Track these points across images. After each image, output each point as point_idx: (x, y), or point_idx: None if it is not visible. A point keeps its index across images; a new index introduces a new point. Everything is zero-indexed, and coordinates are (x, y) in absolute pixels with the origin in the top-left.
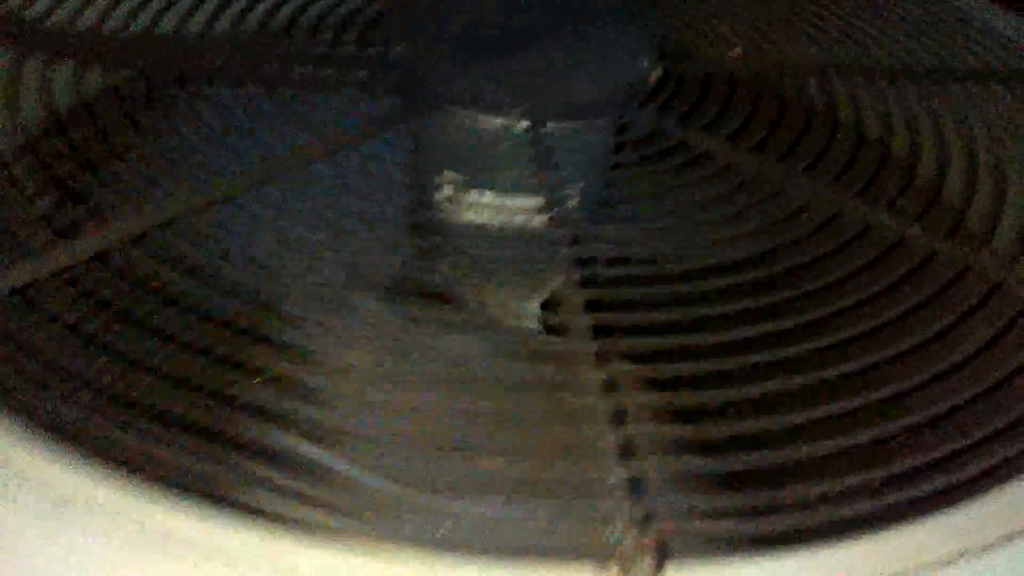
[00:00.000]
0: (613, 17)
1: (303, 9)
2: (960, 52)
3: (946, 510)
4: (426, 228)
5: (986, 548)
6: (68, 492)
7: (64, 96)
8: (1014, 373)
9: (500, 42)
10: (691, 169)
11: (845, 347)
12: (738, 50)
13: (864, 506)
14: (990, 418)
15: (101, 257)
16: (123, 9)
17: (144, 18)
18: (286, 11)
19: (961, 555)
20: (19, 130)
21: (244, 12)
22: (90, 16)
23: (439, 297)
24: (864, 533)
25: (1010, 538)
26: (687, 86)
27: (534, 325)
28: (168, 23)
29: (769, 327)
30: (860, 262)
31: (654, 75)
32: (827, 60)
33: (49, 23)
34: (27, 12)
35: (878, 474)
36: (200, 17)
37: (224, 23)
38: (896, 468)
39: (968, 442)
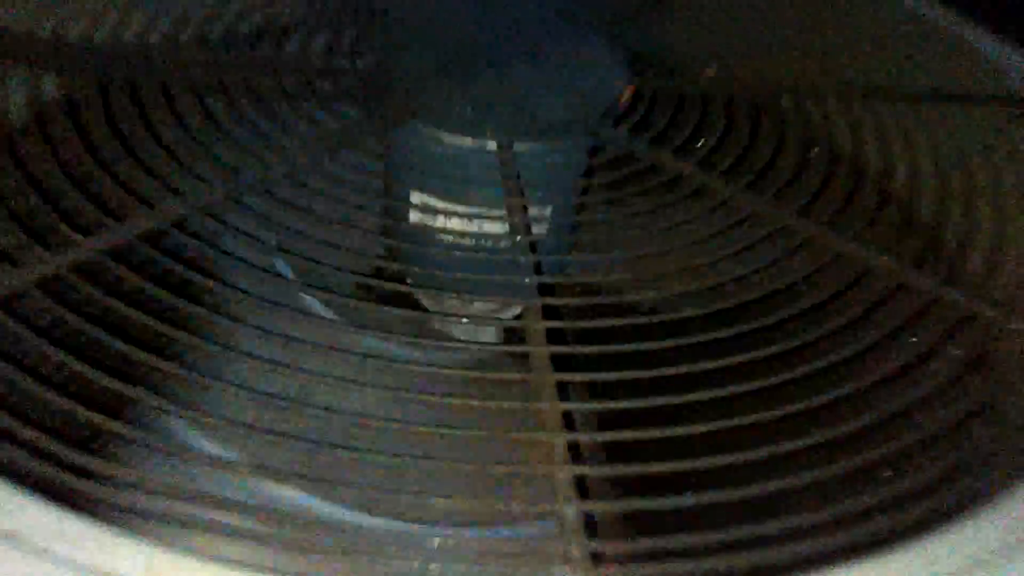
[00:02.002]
0: (586, 37)
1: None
2: (935, 73)
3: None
4: (395, 235)
5: None
6: None
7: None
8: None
9: (471, 59)
10: (661, 193)
11: (809, 383)
12: (711, 69)
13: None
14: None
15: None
16: (82, 19)
17: (104, 27)
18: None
19: None
20: None
21: (207, 21)
22: (51, 24)
23: (404, 300)
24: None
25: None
26: (660, 105)
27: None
28: (127, 32)
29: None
30: (830, 292)
31: (626, 94)
32: (802, 79)
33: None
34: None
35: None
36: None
37: (190, 32)
38: (841, 508)
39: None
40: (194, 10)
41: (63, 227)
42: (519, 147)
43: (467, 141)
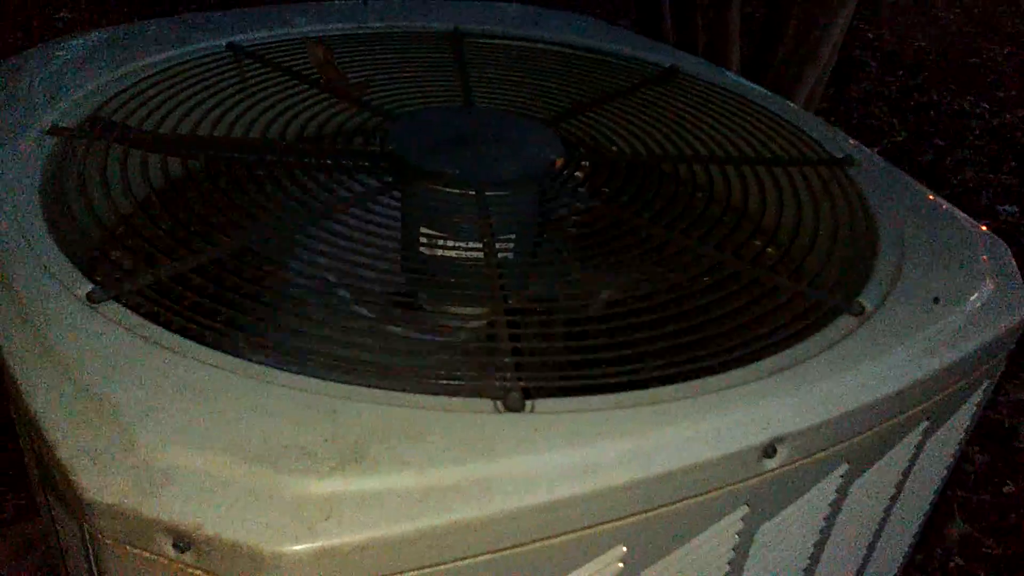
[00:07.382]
0: (533, 127)
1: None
2: (776, 146)
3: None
4: (411, 261)
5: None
6: None
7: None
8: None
9: (456, 141)
10: (589, 224)
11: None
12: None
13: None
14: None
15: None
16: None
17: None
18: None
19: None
20: (126, 200)
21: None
22: (170, 123)
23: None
24: None
25: None
26: (586, 168)
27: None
28: (222, 129)
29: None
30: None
31: (558, 163)
32: (688, 151)
33: (144, 128)
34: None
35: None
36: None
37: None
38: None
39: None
40: (277, 119)
41: (198, 243)
42: (489, 193)
43: (455, 191)
